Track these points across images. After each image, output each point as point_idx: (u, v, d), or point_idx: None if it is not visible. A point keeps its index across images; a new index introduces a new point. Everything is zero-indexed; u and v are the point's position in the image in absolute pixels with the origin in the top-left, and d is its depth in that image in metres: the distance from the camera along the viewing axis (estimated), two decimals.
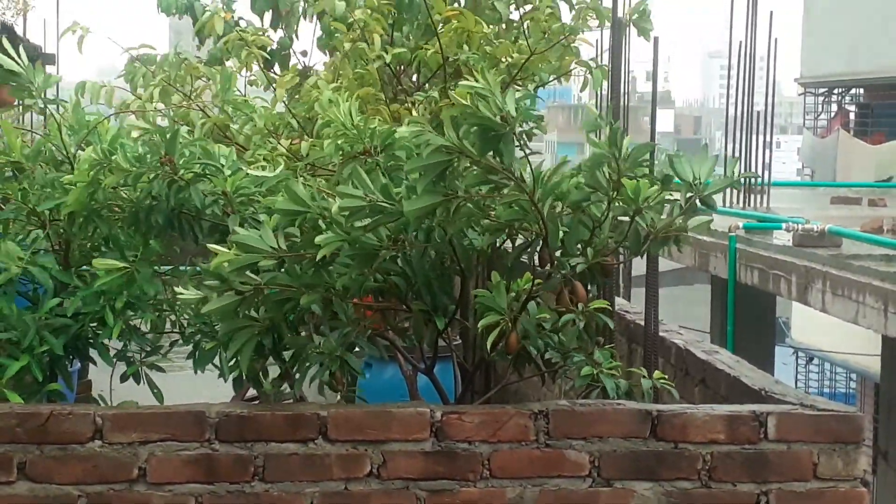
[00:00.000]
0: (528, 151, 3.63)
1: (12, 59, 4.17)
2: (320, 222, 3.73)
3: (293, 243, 3.78)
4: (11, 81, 4.19)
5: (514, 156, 3.52)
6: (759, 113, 16.55)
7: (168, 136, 3.91)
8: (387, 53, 4.97)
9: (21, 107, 4.33)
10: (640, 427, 3.76)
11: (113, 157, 3.90)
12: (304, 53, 6.48)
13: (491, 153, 3.51)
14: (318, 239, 3.63)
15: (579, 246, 3.89)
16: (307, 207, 3.72)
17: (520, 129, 3.50)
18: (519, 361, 4.16)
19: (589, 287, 4.11)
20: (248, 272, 3.72)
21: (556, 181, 3.68)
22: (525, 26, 4.81)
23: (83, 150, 4.20)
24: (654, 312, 5.16)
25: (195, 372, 4.19)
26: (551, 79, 5.05)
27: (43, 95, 4.22)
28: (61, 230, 4.27)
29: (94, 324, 4.07)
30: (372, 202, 3.59)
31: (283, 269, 3.78)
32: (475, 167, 3.53)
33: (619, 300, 6.74)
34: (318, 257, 3.65)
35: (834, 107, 33.02)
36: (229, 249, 3.75)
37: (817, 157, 30.94)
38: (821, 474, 3.77)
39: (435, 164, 3.48)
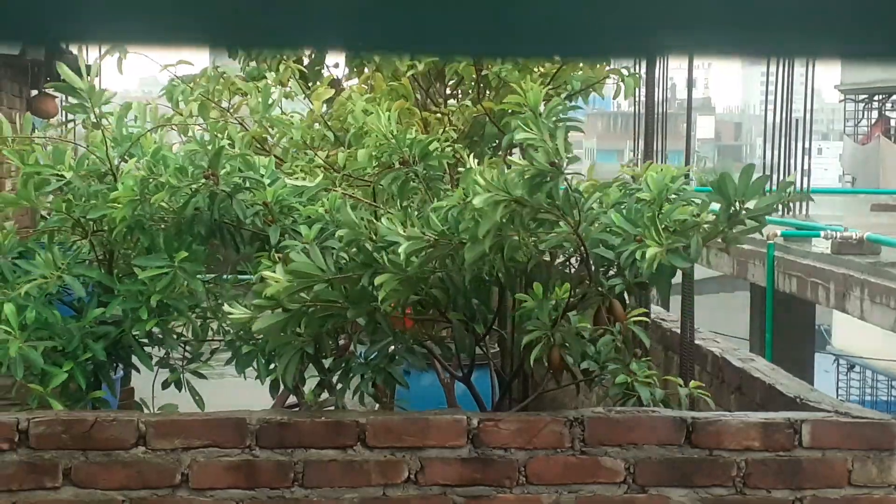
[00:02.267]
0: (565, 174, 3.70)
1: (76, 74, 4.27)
2: (367, 245, 3.80)
3: (341, 264, 3.85)
4: (72, 97, 4.29)
5: (566, 195, 3.61)
6: (798, 119, 16.49)
7: (211, 150, 3.99)
8: (419, 63, 5.02)
9: (65, 119, 4.40)
10: (675, 434, 3.79)
11: (158, 173, 3.98)
12: (337, 66, 6.54)
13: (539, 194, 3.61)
14: (377, 281, 3.70)
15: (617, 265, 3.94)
16: (360, 233, 3.80)
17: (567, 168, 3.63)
18: (554, 370, 4.20)
19: (627, 300, 4.14)
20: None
21: (591, 204, 3.75)
22: None
23: (125, 161, 4.28)
24: (689, 322, 5.19)
25: (242, 376, 4.25)
26: (583, 88, 5.08)
27: (99, 111, 4.32)
28: (105, 241, 4.35)
29: (136, 331, 4.14)
30: (430, 241, 3.66)
31: (329, 286, 3.85)
32: (525, 208, 3.62)
33: (655, 308, 6.76)
34: (381, 301, 3.73)
35: (875, 113, 32.82)
36: (270, 262, 3.82)
37: (858, 163, 30.76)
38: (855, 481, 3.79)
39: (501, 218, 3.58)
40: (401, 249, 3.62)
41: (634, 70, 5.40)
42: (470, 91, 5.18)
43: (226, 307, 3.99)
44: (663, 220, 3.63)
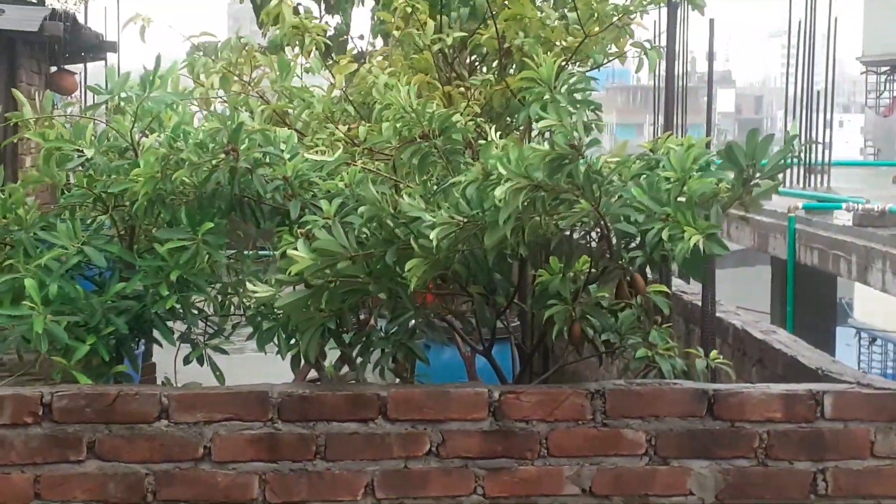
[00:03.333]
0: (585, 150, 3.68)
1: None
2: (388, 221, 3.80)
3: (363, 241, 3.85)
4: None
5: (587, 176, 3.60)
6: (819, 92, 16.43)
7: (231, 124, 3.98)
8: (446, 37, 4.99)
9: (85, 95, 4.41)
10: (696, 406, 3.79)
11: (179, 149, 3.98)
12: (361, 38, 6.53)
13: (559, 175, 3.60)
14: (407, 266, 3.70)
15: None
16: (382, 210, 3.80)
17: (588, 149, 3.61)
18: (574, 343, 4.20)
19: (648, 273, 4.13)
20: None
21: (611, 178, 3.74)
22: (576, 8, 4.82)
23: (146, 136, 4.29)
24: (711, 293, 5.18)
25: (263, 351, 4.26)
26: (606, 61, 5.04)
27: (119, 97, 4.35)
28: (126, 216, 4.36)
29: (157, 308, 4.15)
30: (459, 223, 3.66)
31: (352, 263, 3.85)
32: (545, 192, 3.61)
33: (676, 281, 6.75)
34: (412, 287, 3.73)
35: None
36: (293, 237, 3.82)
37: (880, 135, 30.61)
38: (877, 452, 3.79)
39: (515, 205, 3.58)
40: (432, 235, 3.61)
41: (656, 43, 5.38)
42: (493, 64, 5.16)
43: (248, 285, 4.00)
44: (689, 199, 3.60)
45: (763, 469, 3.79)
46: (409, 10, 4.92)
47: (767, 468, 3.79)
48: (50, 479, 3.72)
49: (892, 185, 17.16)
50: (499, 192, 3.55)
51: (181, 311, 4.28)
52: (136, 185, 4.04)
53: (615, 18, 4.79)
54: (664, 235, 3.55)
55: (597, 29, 4.78)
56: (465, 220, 3.66)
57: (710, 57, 7.01)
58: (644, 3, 4.86)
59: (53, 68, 11.84)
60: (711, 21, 5.79)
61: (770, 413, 3.79)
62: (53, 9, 11.09)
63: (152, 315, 4.21)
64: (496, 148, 3.83)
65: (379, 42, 6.13)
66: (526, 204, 3.58)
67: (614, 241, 3.83)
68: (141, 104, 4.31)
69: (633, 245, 3.87)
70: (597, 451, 3.78)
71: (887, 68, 32.46)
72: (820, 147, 16.26)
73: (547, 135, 4.00)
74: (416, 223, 3.76)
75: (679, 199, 3.63)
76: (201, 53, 4.87)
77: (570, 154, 3.57)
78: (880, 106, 32.48)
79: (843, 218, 12.34)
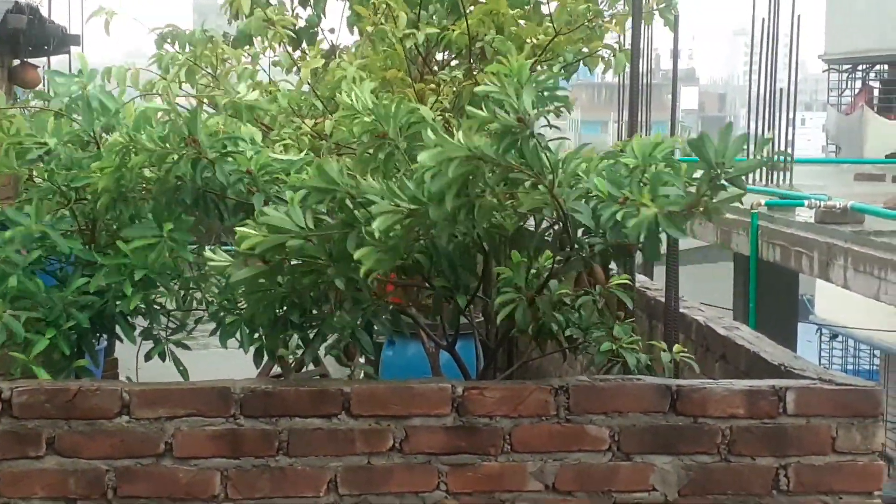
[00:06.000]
0: (546, 141, 3.64)
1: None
2: (347, 202, 3.76)
3: (320, 221, 3.81)
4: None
5: (535, 153, 3.54)
6: (782, 90, 16.51)
7: (189, 116, 3.95)
8: (418, 31, 4.97)
9: (48, 88, 4.38)
10: (659, 402, 3.79)
11: (138, 138, 3.94)
12: (332, 31, 6.48)
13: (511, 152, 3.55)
14: (357, 255, 3.64)
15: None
16: (337, 187, 3.75)
17: (539, 121, 3.54)
18: (540, 338, 4.19)
19: (610, 266, 4.13)
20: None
21: (574, 169, 3.70)
22: (551, 7, 4.81)
23: (108, 132, 4.25)
24: (674, 289, 5.19)
25: (225, 347, 4.23)
26: (576, 60, 5.04)
27: (84, 91, 4.31)
28: (87, 210, 4.33)
29: (119, 301, 4.12)
30: (404, 211, 3.60)
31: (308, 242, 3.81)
32: (496, 168, 3.56)
33: (639, 277, 6.77)
34: (363, 274, 3.69)
35: (858, 83, 32.86)
36: (256, 228, 3.79)
37: (842, 133, 30.82)
38: (839, 448, 3.81)
39: (458, 176, 3.51)
40: (375, 226, 3.57)
41: (619, 40, 5.38)
42: (462, 61, 5.15)
43: (206, 252, 3.94)
44: (651, 184, 3.57)
45: (726, 465, 3.80)
46: (384, 4, 4.89)
47: (730, 464, 3.80)
48: (9, 475, 3.68)
49: (854, 181, 17.28)
50: (423, 156, 3.47)
51: (143, 307, 4.25)
52: (96, 178, 4.00)
53: (587, 19, 4.79)
54: (619, 216, 3.49)
55: (567, 29, 4.78)
56: (410, 206, 3.61)
57: (675, 54, 7.03)
58: (615, 3, 4.87)
59: (16, 62, 11.74)
60: (676, 18, 5.80)
61: (733, 409, 3.79)
62: (17, 1, 10.98)
63: (114, 311, 4.18)
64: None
65: (353, 37, 6.09)
66: (470, 178, 3.52)
67: (571, 229, 3.81)
68: (101, 100, 4.28)
69: (591, 234, 3.85)
70: (560, 447, 3.78)
71: (849, 66, 32.67)
72: (783, 146, 16.35)
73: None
74: (375, 207, 3.72)
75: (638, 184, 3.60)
76: (170, 42, 4.84)
77: (515, 126, 3.51)
78: (842, 104, 32.68)
79: (805, 215, 12.40)
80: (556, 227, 3.93)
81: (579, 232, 3.87)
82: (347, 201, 3.75)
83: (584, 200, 3.71)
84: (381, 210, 3.57)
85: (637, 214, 3.46)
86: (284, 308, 4.02)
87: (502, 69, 3.79)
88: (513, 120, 3.49)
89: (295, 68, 5.02)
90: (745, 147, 3.64)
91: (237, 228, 3.75)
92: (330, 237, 3.77)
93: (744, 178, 3.64)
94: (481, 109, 3.56)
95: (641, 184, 3.57)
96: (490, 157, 3.52)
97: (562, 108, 4.22)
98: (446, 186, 3.51)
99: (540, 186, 3.59)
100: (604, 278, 4.06)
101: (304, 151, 4.20)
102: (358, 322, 4.09)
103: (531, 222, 4.08)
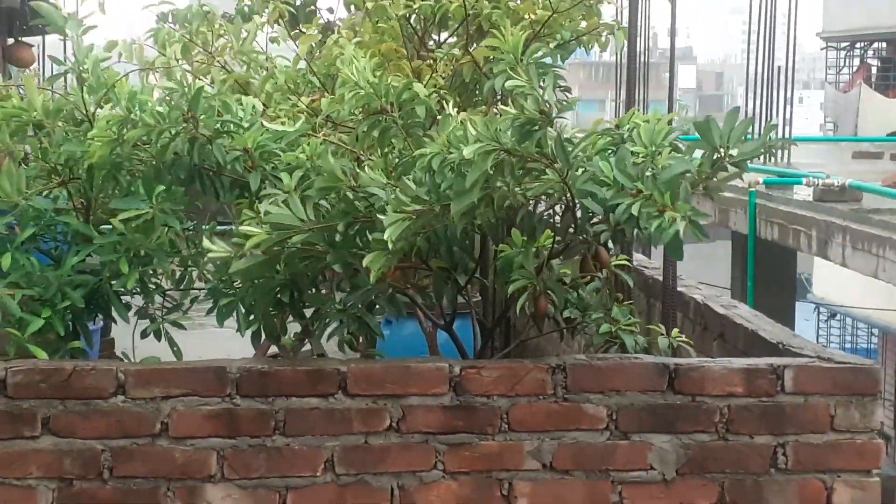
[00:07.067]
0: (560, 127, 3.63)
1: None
2: (348, 193, 3.75)
3: (318, 208, 3.80)
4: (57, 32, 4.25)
5: (559, 144, 3.55)
6: (780, 68, 16.49)
7: (191, 92, 3.92)
8: (413, 2, 4.92)
9: (43, 67, 4.34)
10: (657, 381, 3.78)
11: (136, 113, 3.91)
12: (331, 10, 6.43)
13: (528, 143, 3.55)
14: (366, 262, 3.64)
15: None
16: (340, 181, 3.74)
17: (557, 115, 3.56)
18: (538, 318, 4.18)
19: (611, 248, 4.11)
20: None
21: (584, 153, 3.69)
22: None
23: (101, 108, 4.22)
24: (672, 268, 5.18)
25: (221, 326, 4.21)
26: (573, 38, 4.99)
27: (78, 41, 4.27)
28: (82, 188, 4.30)
29: (114, 280, 4.09)
30: (413, 216, 3.59)
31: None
32: (514, 158, 3.56)
33: (637, 256, 6.76)
34: (373, 280, 3.69)
35: (856, 61, 32.81)
36: (253, 213, 3.76)
37: (840, 111, 30.79)
38: (837, 426, 3.80)
39: (484, 168, 3.52)
40: (386, 235, 3.55)
41: (617, 18, 5.34)
42: (459, 39, 5.10)
43: (205, 243, 3.92)
44: (661, 178, 3.55)
45: (724, 443, 3.79)
46: None
47: (728, 442, 3.79)
48: (4, 456, 3.67)
49: (852, 160, 17.26)
50: (467, 151, 3.48)
51: (138, 286, 4.22)
52: (91, 148, 3.96)
53: None
54: (634, 210, 3.49)
55: (566, 4, 4.74)
56: (420, 208, 3.60)
57: (672, 33, 6.99)
58: None
59: (10, 40, 11.70)
60: None
61: (731, 387, 3.78)
62: None
63: (109, 290, 4.15)
64: (460, 122, 3.77)
65: (348, 12, 6.04)
66: (493, 170, 3.53)
67: (580, 214, 3.80)
68: (97, 74, 4.24)
69: (595, 220, 3.84)
70: (558, 426, 3.76)
71: (847, 44, 32.60)
72: (781, 122, 16.33)
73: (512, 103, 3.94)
74: (375, 198, 3.72)
75: (648, 174, 3.59)
76: (170, 21, 4.80)
77: (539, 120, 3.52)
78: (840, 82, 32.63)
79: (803, 193, 12.39)
80: (557, 209, 3.92)
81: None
82: (348, 192, 3.75)
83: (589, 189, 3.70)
84: (392, 220, 3.56)
85: (659, 216, 3.45)
86: (282, 294, 4.01)
87: (498, 43, 3.76)
88: (536, 113, 3.51)
89: (293, 44, 4.98)
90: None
91: (242, 229, 3.71)
92: (330, 227, 3.77)
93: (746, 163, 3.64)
94: (480, 89, 3.57)
95: (655, 176, 3.55)
96: (517, 149, 3.52)
97: (560, 87, 4.18)
98: (478, 179, 3.51)
99: (550, 172, 3.59)
100: (609, 261, 4.04)
101: (299, 125, 4.16)
102: (360, 305, 4.08)
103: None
